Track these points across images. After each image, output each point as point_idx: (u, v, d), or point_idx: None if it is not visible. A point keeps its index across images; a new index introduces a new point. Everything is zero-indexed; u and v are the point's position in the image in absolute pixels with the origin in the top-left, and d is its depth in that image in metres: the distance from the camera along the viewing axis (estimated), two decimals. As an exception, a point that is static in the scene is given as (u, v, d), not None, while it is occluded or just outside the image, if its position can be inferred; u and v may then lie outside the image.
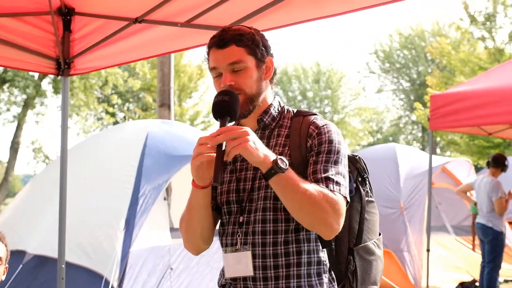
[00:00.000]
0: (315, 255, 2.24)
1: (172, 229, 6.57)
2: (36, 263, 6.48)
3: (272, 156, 2.02)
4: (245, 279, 2.23)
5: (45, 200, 7.12)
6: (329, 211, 2.04)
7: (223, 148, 1.99)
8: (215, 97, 2.16)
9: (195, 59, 37.73)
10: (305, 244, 2.23)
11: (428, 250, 7.48)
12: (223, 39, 2.21)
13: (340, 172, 2.15)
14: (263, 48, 2.26)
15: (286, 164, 2.01)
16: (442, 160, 10.03)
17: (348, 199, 2.15)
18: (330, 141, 2.19)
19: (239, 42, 2.20)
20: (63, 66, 3.96)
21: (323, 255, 2.27)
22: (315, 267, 2.24)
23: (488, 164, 8.24)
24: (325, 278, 2.25)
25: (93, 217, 6.26)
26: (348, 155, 2.35)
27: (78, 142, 8.43)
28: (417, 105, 22.97)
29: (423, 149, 41.82)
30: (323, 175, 2.12)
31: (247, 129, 2.01)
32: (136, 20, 3.47)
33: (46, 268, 6.24)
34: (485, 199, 7.96)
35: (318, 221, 2.07)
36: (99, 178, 6.74)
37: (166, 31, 3.55)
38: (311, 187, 2.04)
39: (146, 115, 34.55)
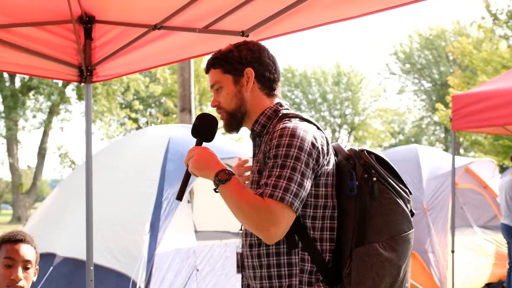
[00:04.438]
0: (284, 257, 2.24)
1: (196, 232, 6.59)
2: (66, 265, 6.54)
3: (216, 169, 2.17)
4: (242, 275, 2.44)
5: (73, 204, 7.19)
6: (255, 217, 2.08)
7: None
8: (194, 122, 2.40)
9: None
10: (273, 247, 2.24)
11: (452, 251, 7.37)
12: (206, 65, 2.40)
13: (283, 176, 2.09)
14: (239, 63, 2.32)
15: (228, 176, 2.13)
16: (465, 161, 9.89)
17: (291, 201, 2.06)
18: (278, 145, 2.15)
19: (214, 65, 2.37)
20: (85, 73, 3.97)
21: (295, 257, 2.24)
22: (285, 269, 2.24)
23: None
24: (302, 278, 2.23)
25: (119, 221, 6.31)
26: (353, 150, 2.32)
27: (102, 147, 8.47)
28: (439, 105, 22.52)
29: (446, 150, 41.32)
30: (263, 182, 2.13)
31: (199, 149, 2.27)
32: (156, 27, 3.48)
33: (76, 270, 6.29)
34: (509, 200, 7.87)
35: (252, 228, 2.15)
36: (123, 183, 6.80)
37: (185, 37, 3.56)
38: (246, 196, 2.11)
39: (167, 120, 34.64)
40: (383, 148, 45.61)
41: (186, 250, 6.21)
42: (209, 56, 2.43)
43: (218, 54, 2.37)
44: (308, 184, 2.14)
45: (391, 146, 46.99)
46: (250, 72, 2.32)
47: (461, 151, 37.84)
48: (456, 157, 7.63)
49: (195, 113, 12.14)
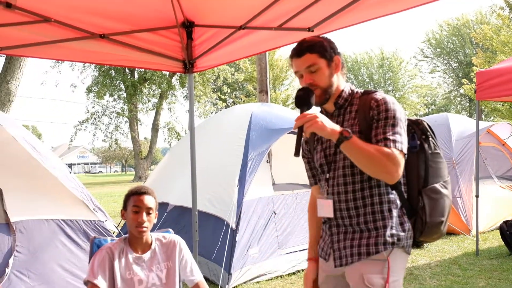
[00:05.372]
0: (385, 196, 2.30)
1: (273, 184, 6.63)
2: (177, 212, 6.73)
3: (338, 129, 2.10)
4: (335, 217, 2.36)
5: (179, 166, 7.36)
6: (386, 163, 2.11)
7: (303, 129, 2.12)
8: (296, 93, 2.27)
9: (285, 54, 37.45)
10: (376, 189, 2.29)
11: (477, 196, 7.20)
12: (300, 50, 2.30)
13: (397, 132, 2.17)
14: (331, 51, 2.31)
15: (350, 133, 2.09)
16: (487, 124, 9.64)
17: (405, 151, 2.17)
18: (386, 110, 2.21)
19: (312, 50, 2.29)
20: (188, 66, 4.01)
21: (392, 196, 2.31)
22: (386, 205, 2.29)
23: None
24: (395, 212, 2.30)
25: (215, 177, 6.37)
26: (411, 119, 2.41)
27: (199, 122, 8.59)
28: (464, 81, 21.89)
29: (470, 116, 40.05)
30: (381, 136, 2.18)
31: (316, 112, 2.10)
32: (241, 27, 3.48)
33: (184, 215, 6.47)
34: None
35: (380, 171, 2.14)
36: (217, 149, 6.85)
37: (263, 34, 3.53)
38: (371, 147, 2.12)
39: (248, 100, 34.83)
40: (419, 117, 44.62)
41: (266, 198, 6.24)
42: (291, 46, 2.38)
43: (312, 42, 2.31)
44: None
45: (425, 114, 45.97)
46: (338, 59, 2.33)
47: (483, 117, 36.44)
48: (479, 121, 7.41)
49: (270, 94, 12.11)
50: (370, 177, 2.27)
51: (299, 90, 2.27)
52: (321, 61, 2.29)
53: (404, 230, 2.30)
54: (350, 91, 2.38)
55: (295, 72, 2.34)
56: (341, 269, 2.35)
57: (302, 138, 2.19)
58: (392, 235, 2.26)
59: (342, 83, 2.38)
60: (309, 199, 2.66)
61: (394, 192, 2.32)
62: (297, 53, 2.31)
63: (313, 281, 2.53)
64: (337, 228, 2.36)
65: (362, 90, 2.40)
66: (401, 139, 2.17)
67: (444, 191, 2.38)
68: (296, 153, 2.15)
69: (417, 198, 2.35)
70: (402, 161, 2.15)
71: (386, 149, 2.12)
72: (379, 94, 2.28)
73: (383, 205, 2.29)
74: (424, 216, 2.32)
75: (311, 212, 2.62)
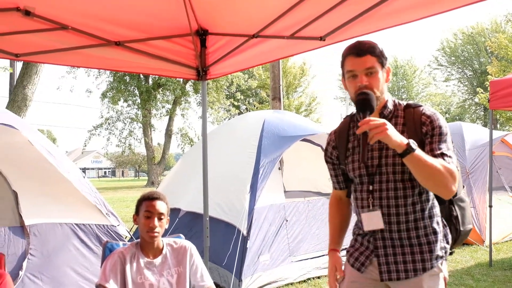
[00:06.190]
0: (433, 210, 2.32)
1: (285, 191, 6.62)
2: (188, 217, 6.74)
3: (405, 140, 2.06)
4: (382, 230, 2.30)
5: (191, 172, 7.36)
6: (449, 178, 2.09)
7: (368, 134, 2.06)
8: (358, 96, 2.19)
9: (298, 62, 37.46)
10: (426, 203, 2.29)
11: (490, 206, 7.15)
12: (361, 49, 2.22)
13: (450, 148, 2.19)
14: (384, 59, 2.27)
15: (416, 145, 2.06)
16: (501, 133, 9.58)
17: (459, 167, 2.20)
18: (440, 126, 2.21)
19: (373, 53, 2.22)
20: (201, 73, 4.03)
21: (437, 209, 2.34)
22: (435, 218, 2.32)
23: None
24: (440, 224, 2.33)
25: (227, 184, 6.37)
26: None
27: (212, 129, 8.61)
28: (479, 90, 21.73)
29: (484, 125, 39.63)
30: (439, 152, 2.16)
31: (384, 120, 2.04)
32: (254, 36, 3.48)
33: (196, 221, 6.48)
34: None
35: (441, 186, 2.11)
36: (230, 155, 6.85)
37: (276, 43, 3.53)
38: (435, 161, 2.09)
39: (262, 106, 34.85)
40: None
41: (278, 205, 6.24)
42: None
43: (373, 45, 2.25)
44: None
45: (439, 123, 45.71)
46: (389, 69, 2.30)
47: (498, 126, 36.10)
48: (493, 131, 7.37)
49: (283, 101, 12.11)
50: (421, 192, 2.27)
51: (361, 94, 2.18)
52: (379, 66, 2.23)
53: (448, 242, 2.33)
54: (394, 103, 2.35)
55: (349, 71, 2.25)
56: (387, 283, 2.32)
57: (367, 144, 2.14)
58: (441, 248, 2.29)
59: (387, 93, 2.33)
60: (330, 200, 2.64)
61: (437, 205, 2.35)
62: (357, 52, 2.22)
63: (340, 270, 2.47)
64: (383, 241, 2.31)
65: (404, 103, 2.36)
66: (453, 155, 2.20)
67: (467, 199, 2.47)
68: (363, 158, 2.12)
69: (449, 208, 2.40)
70: (459, 176, 2.21)
71: (447, 164, 2.11)
72: (428, 109, 2.27)
73: (433, 218, 2.30)
74: (458, 225, 2.40)
75: (334, 210, 2.61)
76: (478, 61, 46.97)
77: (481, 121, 45.54)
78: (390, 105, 2.32)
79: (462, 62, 48.20)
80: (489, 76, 23.03)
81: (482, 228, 8.28)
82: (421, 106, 2.30)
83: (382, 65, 2.25)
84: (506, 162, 9.80)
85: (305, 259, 6.20)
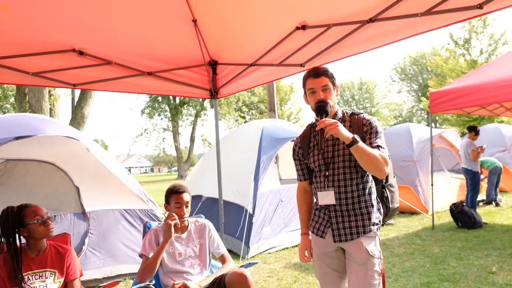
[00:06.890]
0: (371, 189, 2.34)
1: (280, 179, 6.60)
2: (208, 202, 6.73)
3: (351, 134, 2.09)
4: (334, 205, 2.31)
5: (210, 167, 7.33)
6: (383, 163, 2.13)
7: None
8: (317, 103, 2.23)
9: (287, 82, 37.37)
10: (366, 184, 2.31)
11: (432, 185, 7.16)
12: (318, 72, 2.28)
13: (383, 142, 2.24)
14: (334, 79, 2.31)
15: (359, 139, 2.10)
16: (439, 131, 9.57)
17: (390, 157, 2.23)
18: (376, 127, 2.26)
19: (326, 75, 2.28)
20: (214, 93, 4.00)
21: (373, 189, 2.36)
22: (373, 195, 2.34)
23: (468, 130, 7.95)
24: (376, 201, 2.35)
25: (237, 175, 6.37)
26: None
27: (225, 134, 8.58)
28: (423, 99, 21.82)
29: (427, 125, 39.55)
30: (375, 144, 2.21)
31: (336, 120, 2.08)
32: (251, 65, 3.45)
33: (214, 204, 6.47)
34: (465, 153, 7.63)
35: (378, 169, 2.13)
36: (238, 153, 6.84)
37: (269, 69, 3.48)
38: (373, 151, 2.13)
39: (261, 116, 34.75)
40: (389, 126, 44.27)
41: (275, 190, 6.23)
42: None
43: (326, 69, 2.30)
44: None
45: (394, 124, 45.53)
46: (337, 86, 2.34)
47: (437, 125, 36.07)
48: (433, 129, 7.34)
49: (277, 112, 12.06)
50: (363, 175, 2.28)
51: (319, 102, 2.23)
52: (331, 84, 2.27)
53: (381, 214, 2.34)
54: (342, 112, 2.37)
55: (310, 89, 2.28)
56: (339, 244, 2.31)
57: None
58: (376, 218, 2.30)
59: (337, 105, 2.38)
60: (297, 192, 2.58)
61: (374, 186, 2.36)
62: (315, 75, 2.27)
63: (308, 250, 2.48)
64: (335, 213, 2.29)
65: (350, 111, 2.39)
66: (386, 147, 2.24)
67: (396, 186, 2.51)
68: (321, 146, 2.17)
69: (382, 191, 2.44)
70: (390, 164, 2.24)
71: (382, 153, 2.14)
72: (367, 116, 2.31)
73: (371, 195, 2.32)
74: (388, 203, 2.43)
75: (301, 200, 2.55)
76: (422, 77, 46.96)
77: (425, 122, 45.50)
78: (340, 113, 2.36)
79: (410, 78, 48.23)
80: (430, 88, 23.14)
81: (427, 201, 8.27)
82: (362, 113, 2.35)
83: (333, 83, 2.30)
84: (443, 152, 9.87)
85: (296, 229, 6.18)
